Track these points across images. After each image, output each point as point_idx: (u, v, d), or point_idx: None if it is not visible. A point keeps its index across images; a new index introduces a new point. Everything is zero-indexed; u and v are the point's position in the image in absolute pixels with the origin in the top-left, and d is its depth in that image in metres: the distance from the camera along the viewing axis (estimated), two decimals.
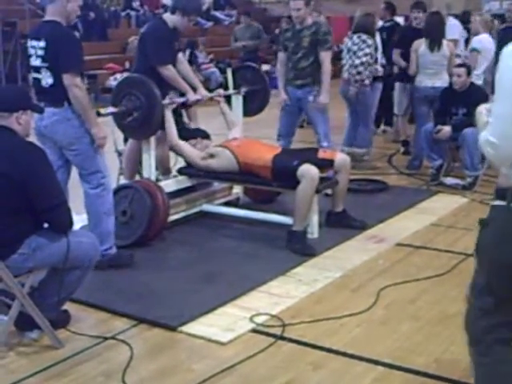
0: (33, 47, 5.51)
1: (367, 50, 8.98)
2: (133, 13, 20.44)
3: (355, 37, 9.10)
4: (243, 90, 7.57)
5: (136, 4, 20.75)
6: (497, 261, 3.11)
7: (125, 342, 4.57)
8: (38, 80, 5.52)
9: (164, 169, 7.22)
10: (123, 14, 20.57)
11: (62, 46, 5.39)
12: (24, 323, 4.53)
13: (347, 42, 9.26)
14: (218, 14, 22.32)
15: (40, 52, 5.44)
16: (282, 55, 8.05)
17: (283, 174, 6.35)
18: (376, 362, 4.29)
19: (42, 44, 5.42)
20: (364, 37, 9.04)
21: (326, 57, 7.73)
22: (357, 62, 8.93)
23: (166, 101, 6.58)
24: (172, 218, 6.70)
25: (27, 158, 4.31)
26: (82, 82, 5.49)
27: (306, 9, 7.61)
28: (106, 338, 4.63)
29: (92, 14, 18.59)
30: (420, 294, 5.31)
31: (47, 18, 5.56)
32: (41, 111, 4.76)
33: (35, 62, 5.49)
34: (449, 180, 8.30)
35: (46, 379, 4.18)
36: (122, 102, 6.28)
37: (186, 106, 7.33)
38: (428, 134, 8.35)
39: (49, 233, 4.41)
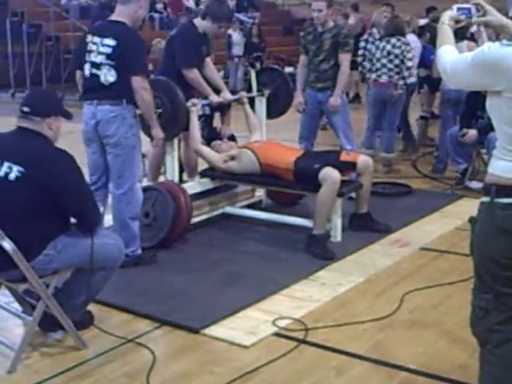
0: (94, 43, 5.59)
1: (412, 53, 9.11)
2: (156, 15, 20.48)
3: (394, 39, 9.06)
4: (267, 91, 7.56)
5: (160, 7, 20.80)
6: (486, 256, 3.22)
7: (147, 344, 4.57)
8: (96, 76, 5.58)
9: (190, 170, 7.22)
10: (147, 16, 20.61)
11: (134, 48, 5.53)
12: (48, 324, 4.55)
13: (383, 44, 9.19)
14: (240, 16, 22.31)
15: (104, 49, 5.52)
16: (303, 58, 8.02)
17: (305, 176, 6.33)
18: (400, 368, 4.27)
19: (110, 42, 5.50)
20: (404, 39, 9.10)
21: (344, 59, 7.69)
22: (409, 64, 9.03)
23: (189, 104, 6.58)
24: (195, 220, 6.71)
25: (58, 165, 4.33)
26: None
27: (328, 11, 7.59)
28: (129, 340, 4.63)
29: None
30: (444, 299, 5.28)
31: (114, 17, 5.67)
32: (71, 117, 4.78)
33: (96, 58, 5.57)
34: (474, 184, 8.19)
35: (70, 380, 4.19)
36: None
37: (222, 110, 7.35)
38: (453, 138, 8.30)
39: (74, 234, 4.42)
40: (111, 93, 5.56)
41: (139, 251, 5.89)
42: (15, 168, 4.24)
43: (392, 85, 9.03)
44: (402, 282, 5.60)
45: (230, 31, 16.06)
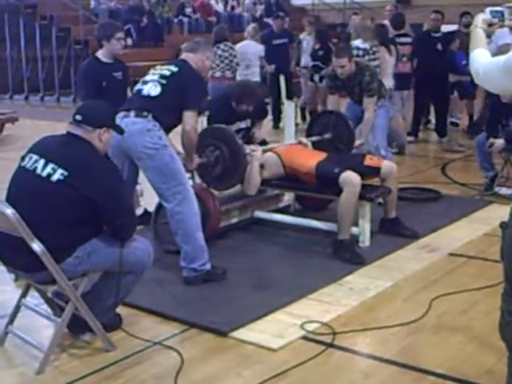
0: (155, 69, 5.72)
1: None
2: (185, 19, 20.54)
3: None
4: (326, 136, 7.40)
5: (189, 11, 20.85)
6: None
7: (175, 347, 4.60)
8: (139, 91, 5.63)
9: None
10: (176, 20, 20.68)
11: (195, 82, 5.56)
12: (77, 326, 4.58)
13: None
14: (270, 21, 22.28)
15: (161, 71, 5.61)
16: (332, 98, 7.94)
17: (326, 181, 6.33)
18: (427, 372, 4.26)
19: (171, 67, 5.60)
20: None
21: (368, 104, 7.63)
22: None
23: (248, 150, 6.47)
24: (224, 224, 6.73)
25: (102, 176, 4.34)
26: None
27: (350, 63, 7.49)
28: (157, 342, 4.66)
29: (145, 20, 18.74)
30: (472, 304, 5.26)
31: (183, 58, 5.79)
32: (121, 132, 4.80)
33: (149, 77, 5.66)
34: (503, 190, 8.16)
35: (98, 381, 4.22)
36: (205, 152, 6.17)
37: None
38: (481, 145, 8.25)
39: (104, 237, 4.43)
40: (141, 105, 5.49)
41: (208, 266, 5.63)
42: (59, 171, 4.25)
43: None
44: (431, 287, 5.58)
45: (301, 35, 13.48)
